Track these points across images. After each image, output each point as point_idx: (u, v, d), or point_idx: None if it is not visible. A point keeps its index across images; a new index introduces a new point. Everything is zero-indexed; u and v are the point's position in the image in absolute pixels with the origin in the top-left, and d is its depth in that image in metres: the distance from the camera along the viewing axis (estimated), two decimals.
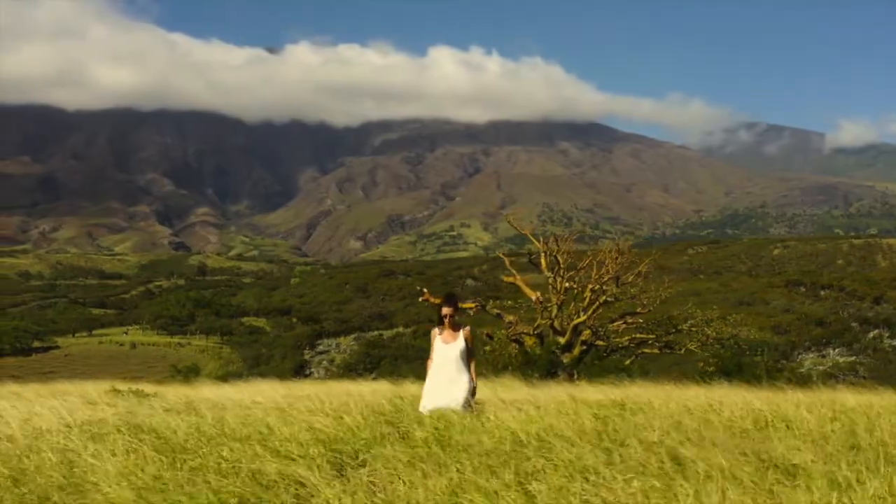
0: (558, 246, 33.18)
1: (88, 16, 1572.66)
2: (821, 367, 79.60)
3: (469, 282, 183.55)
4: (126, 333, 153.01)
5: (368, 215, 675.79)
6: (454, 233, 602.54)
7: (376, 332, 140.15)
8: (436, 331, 11.21)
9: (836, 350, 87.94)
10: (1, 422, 10.26)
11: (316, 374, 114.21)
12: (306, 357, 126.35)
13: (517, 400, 12.58)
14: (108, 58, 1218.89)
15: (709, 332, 32.33)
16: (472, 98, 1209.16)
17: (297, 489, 6.49)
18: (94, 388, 18.07)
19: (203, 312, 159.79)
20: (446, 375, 10.74)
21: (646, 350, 33.05)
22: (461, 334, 10.98)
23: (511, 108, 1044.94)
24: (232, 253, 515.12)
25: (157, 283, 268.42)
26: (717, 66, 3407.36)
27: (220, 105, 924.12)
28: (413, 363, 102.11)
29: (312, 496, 6.41)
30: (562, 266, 32.23)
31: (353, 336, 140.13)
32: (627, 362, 31.86)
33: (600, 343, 31.93)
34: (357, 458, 7.54)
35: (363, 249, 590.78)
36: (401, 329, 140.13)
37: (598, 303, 31.46)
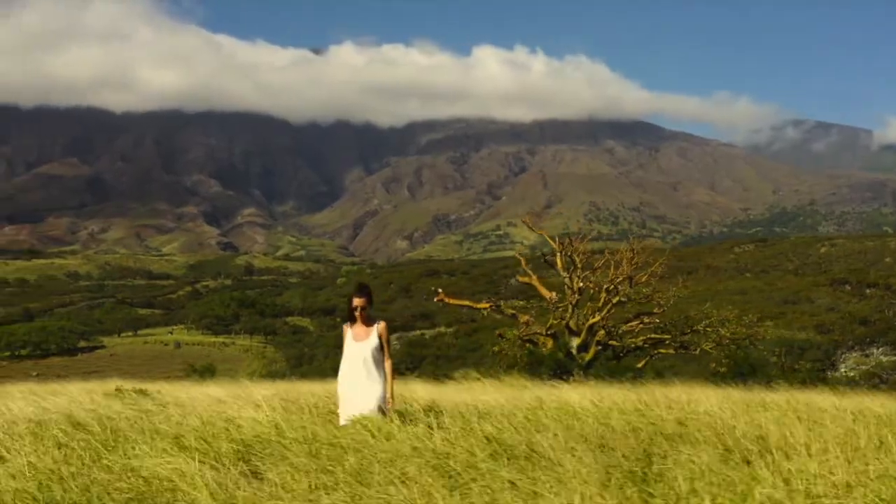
0: (573, 246, 33.03)
1: (135, 18, 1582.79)
2: (863, 367, 78.78)
3: (513, 281, 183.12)
4: (171, 333, 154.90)
5: (414, 215, 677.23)
6: (500, 232, 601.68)
7: (418, 332, 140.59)
8: (346, 326, 10.01)
9: (881, 349, 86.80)
10: None
11: None
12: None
13: (462, 404, 11.80)
14: (155, 60, 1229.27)
15: (723, 332, 31.67)
16: (516, 97, 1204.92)
17: (172, 485, 6.58)
18: (100, 387, 18.26)
19: (247, 312, 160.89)
20: (358, 377, 9.68)
21: (661, 350, 32.64)
22: (374, 329, 9.84)
23: (556, 107, 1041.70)
24: (279, 253, 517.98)
25: (204, 284, 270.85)
26: (763, 63, 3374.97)
27: (265, 106, 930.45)
28: (454, 362, 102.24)
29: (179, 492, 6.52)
30: (578, 266, 32.12)
31: (395, 335, 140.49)
32: (641, 363, 31.36)
33: (615, 343, 31.62)
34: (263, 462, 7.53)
35: (409, 249, 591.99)
36: (443, 329, 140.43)
37: (611, 303, 31.18)
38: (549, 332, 31.69)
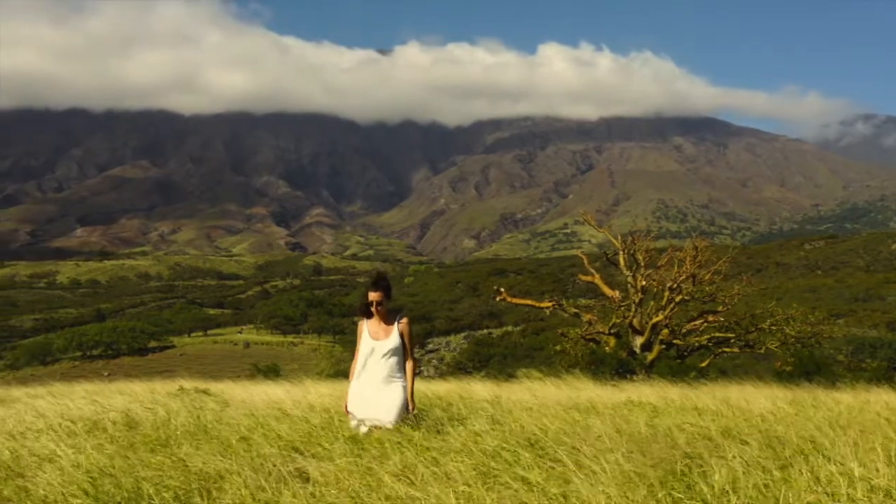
0: (636, 244, 32.72)
1: (202, 21, 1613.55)
2: None
3: (580, 280, 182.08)
4: (240, 333, 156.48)
5: (481, 214, 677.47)
6: (568, 230, 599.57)
7: (486, 331, 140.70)
8: (363, 322, 9.18)
9: None
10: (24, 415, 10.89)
11: (426, 373, 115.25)
12: (417, 355, 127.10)
13: (518, 402, 11.86)
14: (223, 62, 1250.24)
15: (788, 331, 30.97)
16: (583, 95, 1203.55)
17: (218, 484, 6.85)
18: (164, 387, 18.70)
19: (315, 312, 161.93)
20: (375, 379, 8.89)
21: (726, 349, 32.01)
22: (396, 327, 9.03)
23: (623, 104, 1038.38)
24: (347, 253, 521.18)
25: (273, 284, 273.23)
26: (833, 57, 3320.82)
27: (333, 107, 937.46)
28: (522, 361, 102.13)
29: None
30: (641, 264, 31.86)
31: (463, 335, 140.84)
32: (705, 363, 30.99)
33: (678, 342, 31.20)
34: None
35: (477, 248, 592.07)
36: (510, 328, 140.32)
37: (675, 301, 30.81)
38: (612, 331, 31.50)
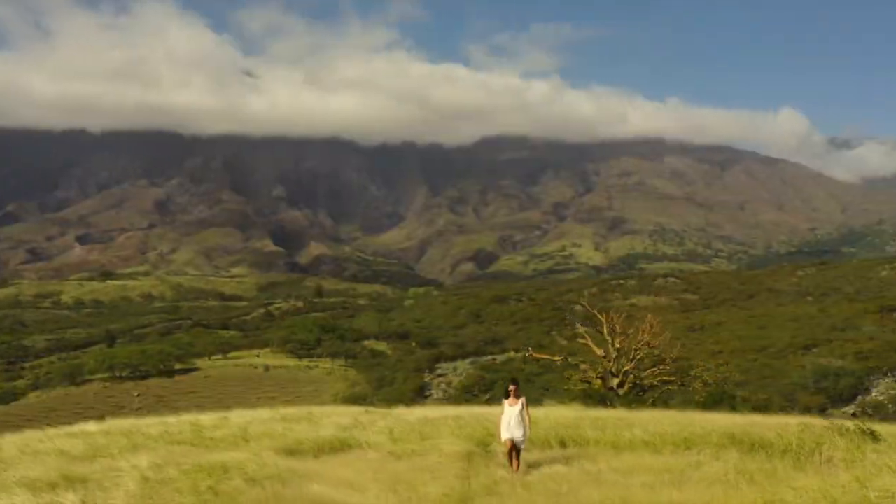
0: (614, 320, 47.05)
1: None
2: (892, 392, 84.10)
3: (578, 307, 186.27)
4: (258, 356, 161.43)
5: (480, 235, 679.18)
6: (565, 253, 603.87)
7: (490, 357, 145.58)
8: (504, 401, 19.19)
9: None
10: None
11: (435, 395, 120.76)
12: (426, 379, 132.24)
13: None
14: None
15: (706, 377, 46.75)
16: (581, 118, 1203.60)
17: None
18: (354, 410, 25.16)
19: (329, 337, 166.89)
20: (511, 422, 18.58)
21: (669, 388, 46.71)
22: (520, 401, 19.00)
23: (623, 127, 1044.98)
24: (346, 273, 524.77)
25: (277, 306, 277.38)
26: (827, 81, 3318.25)
27: (333, 128, 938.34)
28: (524, 386, 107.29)
29: None
30: (617, 331, 46.05)
31: (468, 360, 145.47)
32: (654, 398, 45.12)
33: (640, 383, 45.42)
34: None
35: (475, 270, 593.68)
36: (512, 354, 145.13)
37: (637, 358, 45.19)
38: (598, 376, 46.20)
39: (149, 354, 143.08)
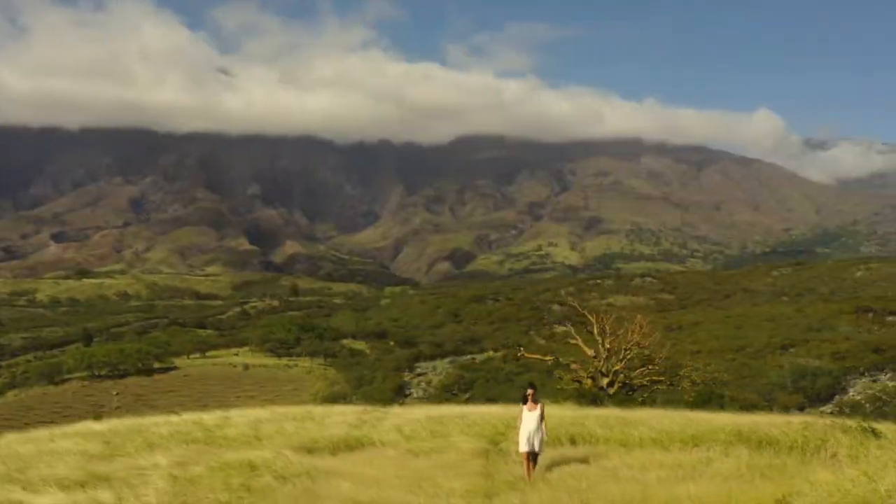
0: (604, 320, 47.50)
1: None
2: (870, 391, 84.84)
3: (556, 307, 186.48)
4: (236, 355, 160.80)
5: (456, 235, 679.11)
6: (542, 252, 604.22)
7: (469, 356, 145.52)
8: (523, 406, 18.96)
9: (888, 375, 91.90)
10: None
11: (415, 395, 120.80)
12: (406, 379, 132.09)
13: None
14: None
15: (694, 377, 47.44)
16: (558, 118, 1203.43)
17: None
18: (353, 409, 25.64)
19: (308, 336, 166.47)
20: (530, 429, 18.35)
21: (658, 387, 47.15)
22: (539, 406, 18.78)
23: (599, 127, 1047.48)
24: (321, 272, 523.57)
25: (252, 305, 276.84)
26: (805, 82, 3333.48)
27: (308, 126, 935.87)
28: (503, 385, 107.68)
29: None
30: (608, 332, 46.43)
31: (447, 359, 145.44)
32: (643, 397, 45.44)
33: (630, 382, 45.96)
34: None
35: (451, 269, 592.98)
36: (491, 353, 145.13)
37: (627, 358, 45.76)
38: (589, 376, 46.19)
39: (127, 353, 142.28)
